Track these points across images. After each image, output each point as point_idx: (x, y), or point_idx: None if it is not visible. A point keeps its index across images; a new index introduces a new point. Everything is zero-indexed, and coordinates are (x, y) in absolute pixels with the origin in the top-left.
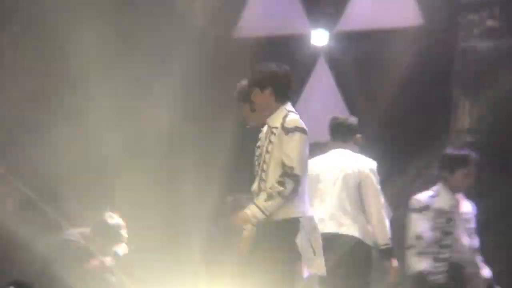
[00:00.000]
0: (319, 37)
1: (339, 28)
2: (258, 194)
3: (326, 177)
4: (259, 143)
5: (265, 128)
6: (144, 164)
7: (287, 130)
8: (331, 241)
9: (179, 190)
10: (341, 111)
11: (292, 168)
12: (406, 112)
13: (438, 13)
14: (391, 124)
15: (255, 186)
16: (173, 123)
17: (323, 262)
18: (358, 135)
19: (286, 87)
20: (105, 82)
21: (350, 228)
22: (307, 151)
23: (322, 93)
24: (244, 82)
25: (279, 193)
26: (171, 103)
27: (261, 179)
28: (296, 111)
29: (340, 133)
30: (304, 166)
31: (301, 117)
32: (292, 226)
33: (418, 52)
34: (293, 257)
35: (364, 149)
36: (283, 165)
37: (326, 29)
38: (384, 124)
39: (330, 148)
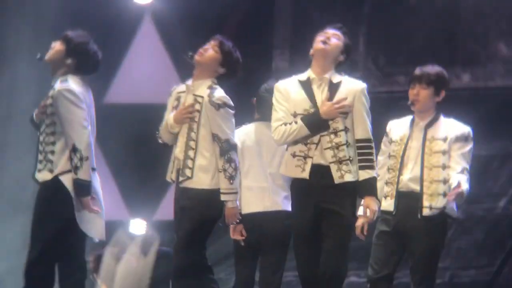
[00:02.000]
0: None
1: None
2: (185, 163)
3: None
4: None
5: None
6: None
7: (216, 105)
8: None
9: None
10: (169, 72)
11: (228, 140)
12: None
13: None
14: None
15: (181, 155)
16: None
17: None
18: None
19: None
20: None
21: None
22: None
23: (149, 54)
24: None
25: (235, 169)
26: None
27: (189, 148)
28: (121, 73)
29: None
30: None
31: (127, 79)
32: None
33: (241, 12)
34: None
35: None
36: (218, 138)
37: None
38: None
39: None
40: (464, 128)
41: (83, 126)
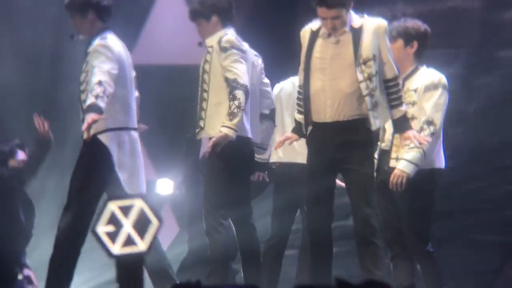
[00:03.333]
0: None
1: None
2: (200, 115)
3: None
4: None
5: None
6: None
7: (224, 49)
8: None
9: None
10: (193, 32)
11: (235, 80)
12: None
13: None
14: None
15: (198, 108)
16: None
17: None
18: None
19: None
20: None
21: None
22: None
23: (172, 14)
24: None
25: (238, 107)
26: None
27: (203, 100)
28: (147, 32)
29: None
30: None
31: (151, 40)
32: None
33: None
34: None
35: None
36: (227, 79)
37: None
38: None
39: None
40: (434, 76)
41: (109, 71)
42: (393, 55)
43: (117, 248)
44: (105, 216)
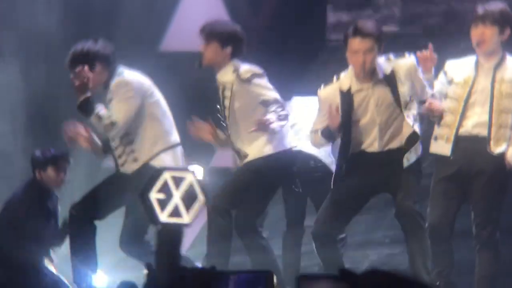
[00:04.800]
0: None
1: None
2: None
3: None
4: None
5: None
6: None
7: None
8: None
9: None
10: (222, 17)
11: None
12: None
13: None
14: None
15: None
16: None
17: None
18: None
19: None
20: None
21: None
22: None
23: (203, 1)
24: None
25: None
26: None
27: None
28: (178, 18)
29: None
30: None
31: (182, 27)
32: None
33: None
34: None
35: None
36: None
37: None
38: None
39: None
40: None
41: (128, 118)
42: (488, 43)
43: (164, 216)
44: (159, 184)
